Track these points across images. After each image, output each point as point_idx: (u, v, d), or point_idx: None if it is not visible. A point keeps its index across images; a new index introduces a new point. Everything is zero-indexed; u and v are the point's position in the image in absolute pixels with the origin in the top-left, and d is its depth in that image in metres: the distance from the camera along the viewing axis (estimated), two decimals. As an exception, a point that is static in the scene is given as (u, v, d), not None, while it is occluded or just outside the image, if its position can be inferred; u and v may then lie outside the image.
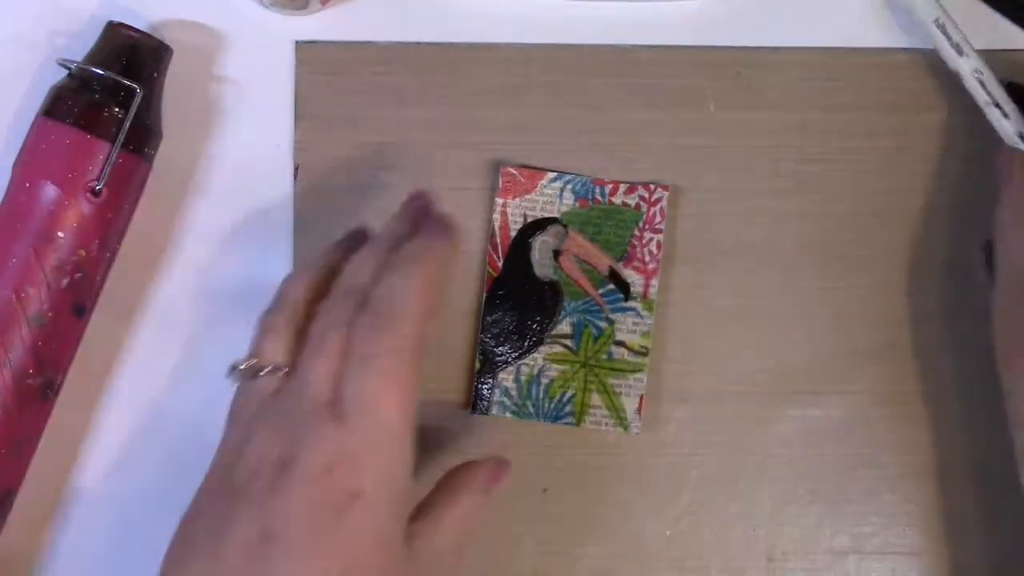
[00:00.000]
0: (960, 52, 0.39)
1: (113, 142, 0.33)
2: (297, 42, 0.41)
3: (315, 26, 0.41)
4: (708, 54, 0.41)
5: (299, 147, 0.40)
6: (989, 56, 0.41)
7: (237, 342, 0.40)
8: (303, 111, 0.41)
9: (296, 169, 0.40)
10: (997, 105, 0.39)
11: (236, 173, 0.40)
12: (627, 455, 0.40)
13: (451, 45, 0.41)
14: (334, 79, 0.41)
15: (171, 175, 0.40)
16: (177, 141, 0.40)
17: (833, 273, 0.40)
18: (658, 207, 0.40)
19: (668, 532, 0.40)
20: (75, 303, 0.33)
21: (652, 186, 0.40)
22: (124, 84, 0.34)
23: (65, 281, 0.32)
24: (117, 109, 0.34)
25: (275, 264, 0.40)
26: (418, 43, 0.41)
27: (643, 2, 0.41)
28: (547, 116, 0.41)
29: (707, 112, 0.41)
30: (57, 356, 0.34)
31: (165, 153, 0.39)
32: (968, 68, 0.39)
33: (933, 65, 0.41)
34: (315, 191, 0.40)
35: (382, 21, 0.41)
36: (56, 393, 0.34)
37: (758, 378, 0.40)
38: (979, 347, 0.39)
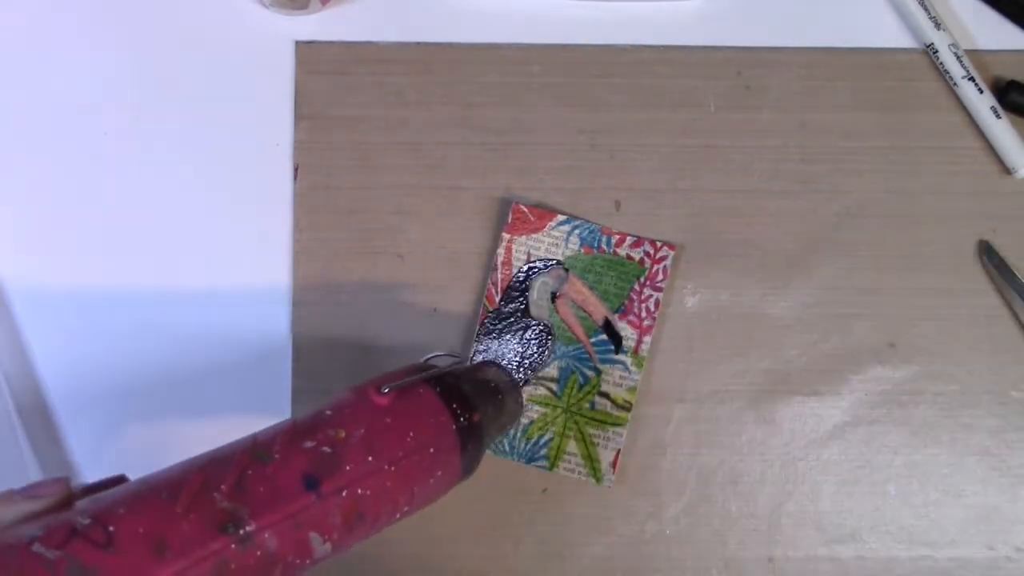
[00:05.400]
0: (938, 26, 0.40)
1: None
2: (297, 42, 0.41)
3: (315, 26, 0.41)
4: (708, 54, 0.41)
5: (299, 147, 0.40)
6: (989, 56, 0.42)
7: (236, 341, 0.40)
8: (303, 111, 0.41)
9: (296, 169, 0.40)
10: (972, 79, 0.40)
11: (236, 172, 0.40)
12: (627, 456, 0.40)
13: (451, 45, 0.41)
14: (334, 79, 0.41)
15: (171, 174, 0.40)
16: (178, 140, 0.40)
17: (833, 273, 0.40)
18: (661, 265, 0.40)
19: (668, 532, 0.40)
20: (306, 472, 0.28)
21: (658, 243, 0.40)
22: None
23: (309, 444, 0.28)
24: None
25: (275, 264, 0.40)
26: (418, 43, 0.41)
27: (643, 2, 0.41)
28: (547, 116, 0.41)
29: (707, 112, 0.41)
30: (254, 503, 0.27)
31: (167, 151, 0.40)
32: (945, 42, 0.40)
33: (933, 65, 0.41)
34: (315, 191, 0.40)
35: (382, 21, 0.41)
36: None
37: (758, 378, 0.40)
38: (979, 346, 0.39)
